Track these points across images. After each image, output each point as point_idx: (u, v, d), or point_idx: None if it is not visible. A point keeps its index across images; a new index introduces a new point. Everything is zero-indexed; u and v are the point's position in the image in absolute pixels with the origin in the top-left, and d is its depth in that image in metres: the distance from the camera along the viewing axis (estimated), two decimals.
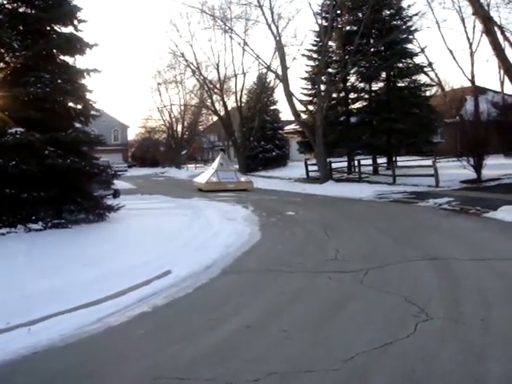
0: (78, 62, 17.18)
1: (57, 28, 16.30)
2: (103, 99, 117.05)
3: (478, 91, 40.80)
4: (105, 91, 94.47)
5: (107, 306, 7.63)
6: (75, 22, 16.25)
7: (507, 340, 5.80)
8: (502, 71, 37.38)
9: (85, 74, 16.46)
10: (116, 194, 24.73)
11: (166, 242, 12.35)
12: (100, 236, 13.75)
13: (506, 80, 17.87)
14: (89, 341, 6.41)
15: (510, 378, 4.84)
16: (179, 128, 73.91)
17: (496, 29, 16.37)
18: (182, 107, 70.58)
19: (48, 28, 16.11)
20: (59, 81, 15.48)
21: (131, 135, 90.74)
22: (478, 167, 26.88)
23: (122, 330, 6.79)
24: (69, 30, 16.36)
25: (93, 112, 17.24)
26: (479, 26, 22.05)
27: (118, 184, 26.03)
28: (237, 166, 42.31)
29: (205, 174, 34.65)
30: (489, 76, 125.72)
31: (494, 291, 7.75)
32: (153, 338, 6.44)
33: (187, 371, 5.29)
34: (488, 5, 33.02)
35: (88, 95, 16.69)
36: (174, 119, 73.42)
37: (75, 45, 16.23)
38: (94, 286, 8.46)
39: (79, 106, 16.78)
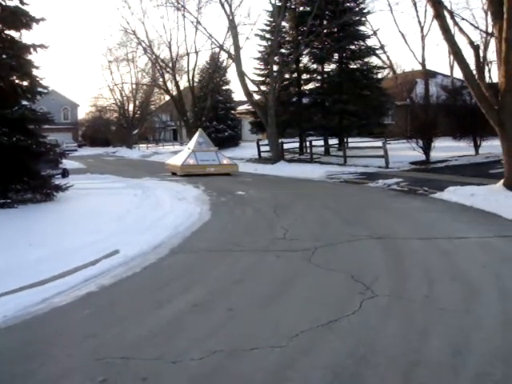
0: (24, 36, 16.73)
1: (1, 1, 15.77)
2: (52, 77, 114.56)
3: (428, 74, 41.37)
4: (54, 68, 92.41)
5: (53, 286, 7.48)
6: None
7: (449, 316, 5.93)
8: (451, 55, 37.93)
9: (31, 49, 15.98)
10: (65, 173, 24.31)
11: (114, 221, 12.20)
12: (47, 216, 13.49)
13: (456, 64, 18.22)
14: (33, 322, 6.27)
15: (450, 352, 4.95)
16: (131, 107, 72.97)
17: (446, 13, 16.53)
18: (134, 86, 69.67)
19: None
20: (4, 56, 15.08)
21: (82, 114, 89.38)
22: (426, 149, 27.45)
23: (67, 311, 6.67)
24: (14, 2, 15.78)
25: (40, 89, 16.81)
26: (431, 11, 22.30)
27: (68, 163, 25.65)
28: None
29: (180, 155, 30.05)
30: (439, 60, 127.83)
31: (438, 269, 7.92)
32: (98, 318, 6.35)
33: (132, 351, 5.24)
34: None
35: (35, 71, 16.26)
36: (125, 98, 72.43)
37: (21, 19, 15.71)
38: (40, 266, 8.30)
39: (25, 83, 16.33)
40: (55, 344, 5.59)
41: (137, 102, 72.99)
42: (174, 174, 28.10)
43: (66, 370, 4.94)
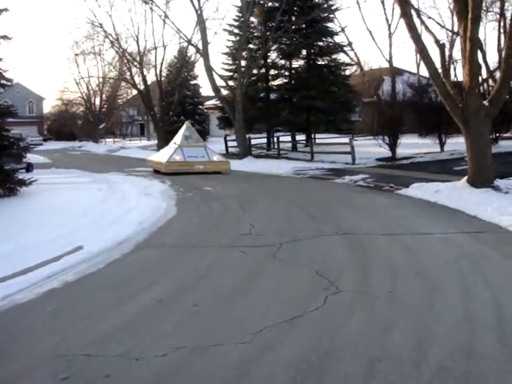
0: None
1: None
2: (17, 69, 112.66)
3: (395, 72, 41.81)
4: (19, 61, 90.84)
5: (14, 282, 7.34)
6: None
7: (411, 311, 6.00)
8: (418, 53, 38.42)
9: None
10: (29, 167, 23.95)
11: (78, 217, 12.04)
12: (9, 211, 13.28)
13: (422, 62, 18.49)
14: None
15: (413, 347, 5.00)
16: (97, 101, 72.14)
17: (413, 12, 16.70)
18: (101, 80, 68.85)
19: None
20: None
21: (47, 107, 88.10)
22: (393, 146, 27.73)
23: (29, 307, 6.55)
24: None
25: (3, 81, 16.56)
26: (398, 9, 22.52)
27: (32, 157, 25.27)
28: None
29: (165, 151, 26.98)
30: (406, 58, 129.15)
31: (402, 265, 8.01)
32: (61, 314, 6.26)
33: (96, 347, 5.18)
34: None
35: None
36: (91, 92, 71.52)
37: None
38: (1, 262, 8.14)
39: None
40: (16, 342, 5.49)
41: (103, 96, 72.25)
42: (156, 171, 25.52)
43: (26, 368, 4.86)
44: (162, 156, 26.06)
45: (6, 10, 15.72)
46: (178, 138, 26.42)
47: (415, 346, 5.05)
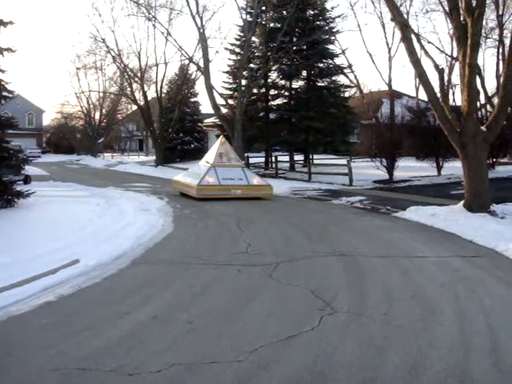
0: None
1: None
2: (18, 81, 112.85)
3: (394, 95, 42.01)
4: (20, 73, 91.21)
5: (9, 294, 7.35)
6: None
7: (406, 333, 6.01)
8: (417, 77, 38.66)
9: None
10: (27, 179, 23.96)
11: (75, 230, 12.05)
12: (6, 223, 13.28)
13: (421, 86, 18.61)
14: None
15: (406, 369, 5.01)
16: (97, 115, 72.43)
17: (413, 36, 16.85)
18: (101, 94, 69.13)
19: None
20: None
21: (47, 120, 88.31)
22: (390, 168, 27.83)
23: (24, 320, 6.55)
24: None
25: (5, 93, 16.64)
26: (398, 33, 22.72)
27: (30, 170, 25.26)
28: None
29: (195, 171, 22.81)
30: (405, 81, 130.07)
31: (397, 287, 8.03)
32: (56, 328, 6.25)
33: (90, 362, 5.18)
34: (407, 13, 34.16)
35: (0, 75, 16.10)
36: (91, 106, 71.80)
37: None
38: None
39: None
40: (10, 354, 5.49)
41: (103, 111, 72.51)
42: (183, 195, 21.84)
43: (20, 381, 4.88)
44: (192, 177, 22.02)
45: (10, 22, 15.85)
46: (210, 156, 22.62)
47: (409, 368, 5.06)
